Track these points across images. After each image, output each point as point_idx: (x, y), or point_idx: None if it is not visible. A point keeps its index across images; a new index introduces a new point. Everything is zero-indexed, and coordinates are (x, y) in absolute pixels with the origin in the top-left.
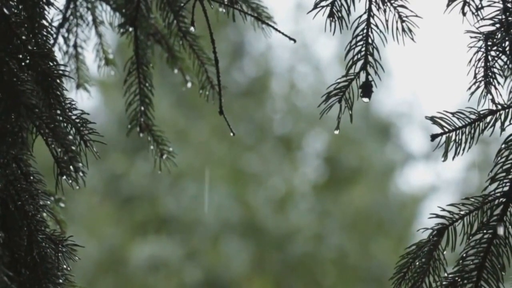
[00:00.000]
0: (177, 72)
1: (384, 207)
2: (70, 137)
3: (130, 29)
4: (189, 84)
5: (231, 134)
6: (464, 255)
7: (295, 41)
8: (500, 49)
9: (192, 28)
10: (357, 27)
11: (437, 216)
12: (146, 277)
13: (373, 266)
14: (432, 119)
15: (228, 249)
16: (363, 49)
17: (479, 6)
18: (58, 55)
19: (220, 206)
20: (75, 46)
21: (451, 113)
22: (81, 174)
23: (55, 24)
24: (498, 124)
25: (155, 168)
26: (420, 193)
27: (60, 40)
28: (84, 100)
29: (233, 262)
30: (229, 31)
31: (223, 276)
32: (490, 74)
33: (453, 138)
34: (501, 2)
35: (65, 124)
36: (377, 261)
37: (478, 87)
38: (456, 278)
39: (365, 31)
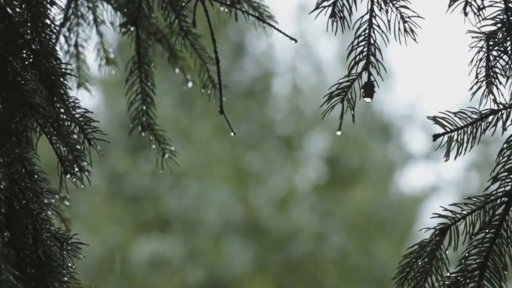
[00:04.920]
0: (178, 72)
1: (385, 207)
2: (75, 136)
3: (132, 28)
4: (190, 84)
5: (232, 133)
6: (467, 254)
7: (296, 41)
8: (501, 49)
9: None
10: (359, 28)
11: (440, 215)
12: (148, 276)
13: (374, 266)
14: (434, 118)
15: (230, 249)
16: (365, 49)
17: (481, 6)
18: (59, 54)
19: (222, 205)
20: (76, 45)
21: (453, 113)
22: (86, 173)
23: (57, 23)
24: (500, 124)
25: (156, 168)
26: (421, 193)
27: (61, 39)
28: (85, 99)
29: (234, 261)
30: (230, 31)
31: (225, 276)
32: (491, 74)
33: (455, 138)
34: (502, 2)
35: (69, 123)
36: (378, 261)
37: (480, 87)
38: (459, 278)
39: (367, 31)
